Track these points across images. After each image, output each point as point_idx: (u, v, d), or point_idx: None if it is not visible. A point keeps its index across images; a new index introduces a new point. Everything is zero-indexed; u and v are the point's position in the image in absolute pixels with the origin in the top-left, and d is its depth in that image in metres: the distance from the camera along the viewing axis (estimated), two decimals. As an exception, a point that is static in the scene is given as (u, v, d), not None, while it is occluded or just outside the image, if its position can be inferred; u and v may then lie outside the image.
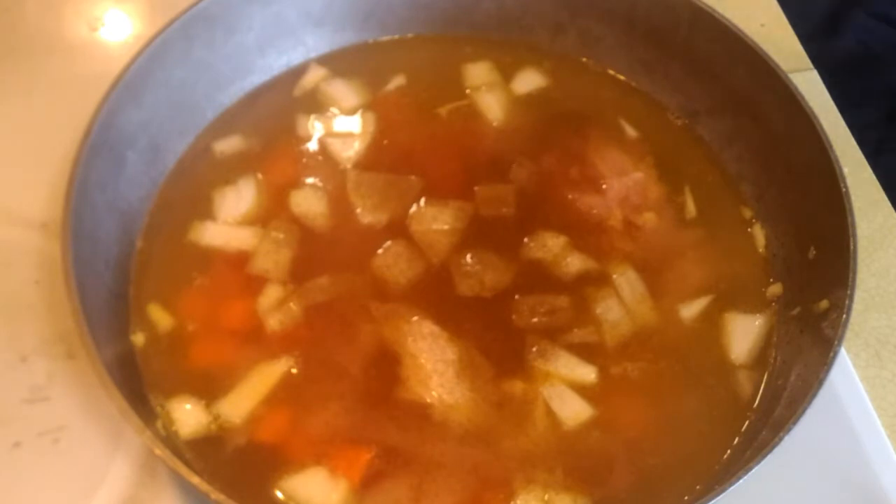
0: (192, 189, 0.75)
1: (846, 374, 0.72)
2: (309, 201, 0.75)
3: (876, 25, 1.20)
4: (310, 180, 0.76)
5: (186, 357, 0.67)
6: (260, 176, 0.76)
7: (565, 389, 0.66)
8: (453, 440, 0.64)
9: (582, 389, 0.67)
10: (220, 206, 0.74)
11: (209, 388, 0.65)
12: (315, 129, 0.80)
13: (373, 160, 0.78)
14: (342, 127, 0.80)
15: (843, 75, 0.95)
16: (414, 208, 0.74)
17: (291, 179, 0.76)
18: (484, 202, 0.75)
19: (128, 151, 0.71)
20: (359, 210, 0.74)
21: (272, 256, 0.71)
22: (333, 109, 0.81)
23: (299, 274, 0.71)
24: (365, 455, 0.63)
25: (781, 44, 0.94)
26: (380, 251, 0.72)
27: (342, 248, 0.73)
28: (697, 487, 0.62)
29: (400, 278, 0.71)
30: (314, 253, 0.72)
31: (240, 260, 0.71)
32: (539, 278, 0.71)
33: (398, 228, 0.73)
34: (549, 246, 0.73)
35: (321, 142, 0.79)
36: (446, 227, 0.73)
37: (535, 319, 0.69)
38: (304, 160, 0.78)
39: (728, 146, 0.79)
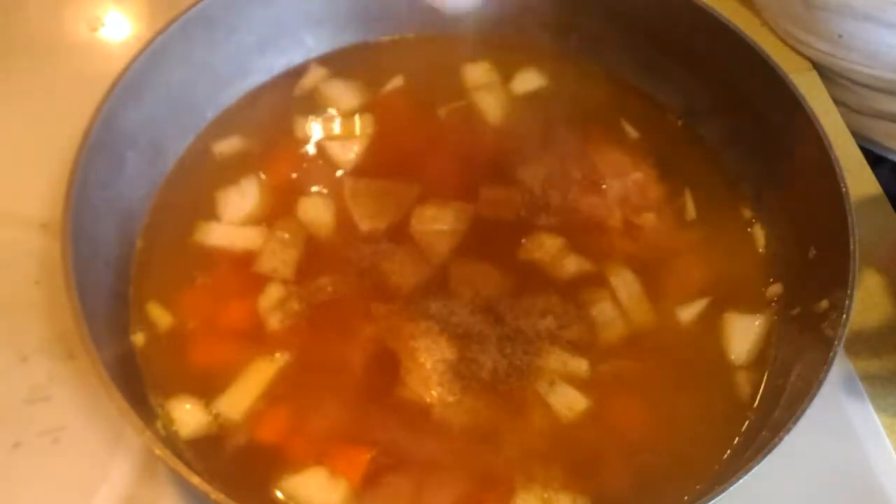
0: (192, 189, 0.75)
1: (846, 375, 0.72)
2: (311, 202, 0.75)
3: None
4: (309, 182, 0.76)
5: (186, 357, 0.67)
6: (262, 176, 0.76)
7: (564, 388, 0.66)
8: (453, 439, 0.64)
9: (581, 387, 0.67)
10: (223, 206, 0.74)
11: (209, 388, 0.65)
12: (314, 131, 0.80)
13: (371, 162, 0.78)
14: (341, 128, 0.80)
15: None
16: (416, 208, 0.74)
17: (292, 181, 0.76)
18: (487, 203, 0.75)
19: (128, 151, 0.71)
20: (357, 218, 0.74)
21: (279, 255, 0.71)
22: (332, 110, 0.81)
23: (302, 274, 0.71)
24: (365, 455, 0.63)
25: (781, 44, 0.94)
26: (382, 253, 0.72)
27: (344, 248, 0.72)
28: (697, 487, 0.62)
29: (400, 279, 0.71)
30: (317, 253, 0.72)
31: (242, 259, 0.72)
32: (537, 279, 0.71)
33: (399, 231, 0.73)
34: (547, 247, 0.73)
35: (320, 143, 0.79)
36: (447, 227, 0.73)
37: (532, 320, 0.69)
38: (304, 162, 0.78)
39: (728, 146, 0.79)
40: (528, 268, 0.72)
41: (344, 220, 0.74)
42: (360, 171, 0.77)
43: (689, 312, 0.71)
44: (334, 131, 0.80)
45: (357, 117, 0.80)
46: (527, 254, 0.73)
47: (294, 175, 0.77)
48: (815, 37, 0.89)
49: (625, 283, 0.72)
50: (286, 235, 0.73)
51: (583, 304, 0.70)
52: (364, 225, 0.74)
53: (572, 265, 0.72)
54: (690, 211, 0.77)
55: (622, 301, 0.71)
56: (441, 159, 0.78)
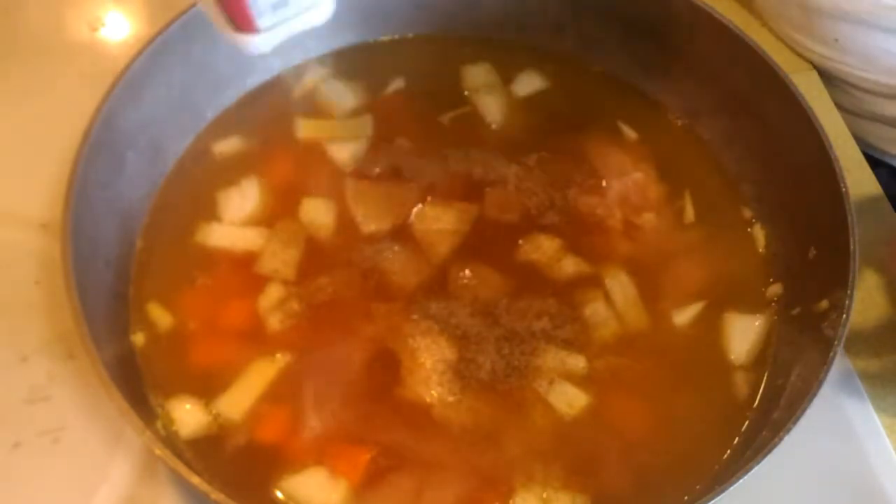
0: (192, 189, 0.75)
1: (846, 374, 0.72)
2: (312, 203, 0.75)
3: None
4: (310, 183, 0.76)
5: (186, 357, 0.67)
6: (263, 177, 0.76)
7: (564, 386, 0.66)
8: (453, 439, 0.64)
9: (580, 383, 0.67)
10: (224, 206, 0.74)
11: (209, 388, 0.65)
12: (315, 131, 0.79)
13: (372, 164, 0.77)
14: (342, 129, 0.80)
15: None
16: (418, 208, 0.74)
17: (293, 181, 0.76)
18: (490, 205, 0.75)
19: (128, 151, 0.71)
20: (359, 219, 0.74)
21: (280, 256, 0.71)
22: (333, 111, 0.81)
23: (303, 274, 0.71)
24: (365, 455, 0.63)
25: (781, 44, 0.94)
26: (382, 253, 0.72)
27: (345, 249, 0.72)
28: (697, 487, 0.62)
29: (401, 279, 0.71)
30: (318, 253, 0.72)
31: (243, 260, 0.71)
32: (535, 281, 0.71)
33: (401, 231, 0.73)
34: (546, 248, 0.73)
35: (321, 144, 0.79)
36: (449, 227, 0.73)
37: (527, 321, 0.69)
38: (305, 162, 0.78)
39: (728, 146, 0.79)
40: (526, 269, 0.72)
41: (345, 221, 0.74)
42: (362, 172, 0.77)
43: (688, 312, 0.71)
44: (335, 132, 0.80)
45: (358, 118, 0.80)
46: (525, 255, 0.73)
47: (295, 176, 0.77)
48: (812, 40, 0.89)
49: (619, 284, 0.71)
50: (287, 236, 0.73)
51: (577, 305, 0.70)
52: (366, 226, 0.74)
53: (570, 267, 0.72)
54: (690, 211, 0.77)
55: (625, 300, 0.71)
56: (443, 160, 0.78)
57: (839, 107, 0.91)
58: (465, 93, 0.82)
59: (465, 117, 0.81)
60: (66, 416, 0.68)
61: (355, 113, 0.81)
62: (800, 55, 0.93)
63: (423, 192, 0.75)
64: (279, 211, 0.74)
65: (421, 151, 0.78)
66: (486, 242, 0.73)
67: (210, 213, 0.74)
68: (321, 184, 0.76)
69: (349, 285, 0.70)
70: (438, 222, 0.74)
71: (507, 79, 0.83)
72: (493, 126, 0.81)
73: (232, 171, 0.76)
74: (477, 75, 0.83)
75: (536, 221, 0.74)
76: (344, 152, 0.78)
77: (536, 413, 0.66)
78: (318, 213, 0.74)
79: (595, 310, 0.70)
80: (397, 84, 0.83)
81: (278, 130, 0.79)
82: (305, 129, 0.79)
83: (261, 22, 0.57)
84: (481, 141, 0.80)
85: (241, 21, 0.57)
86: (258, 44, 0.58)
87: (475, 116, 0.81)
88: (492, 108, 0.82)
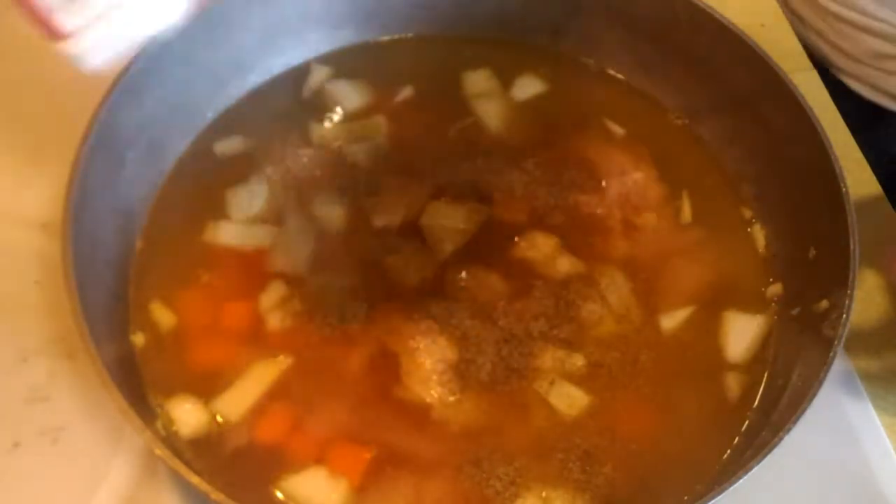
0: (193, 189, 0.75)
1: (846, 375, 0.72)
2: (319, 200, 0.75)
3: None
4: (317, 180, 0.76)
5: (187, 356, 0.67)
6: (269, 175, 0.76)
7: (564, 387, 0.66)
8: (453, 439, 0.64)
9: (580, 384, 0.67)
10: (232, 204, 0.74)
11: (209, 387, 0.65)
12: (316, 130, 0.79)
13: (376, 163, 0.78)
14: (344, 128, 0.80)
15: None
16: (431, 204, 0.74)
17: (299, 179, 0.76)
18: (499, 209, 0.75)
19: (128, 151, 0.71)
20: (372, 216, 0.74)
21: (292, 253, 0.71)
22: (336, 109, 0.81)
23: (310, 271, 0.71)
24: (365, 455, 0.63)
25: (781, 44, 0.94)
26: (386, 251, 0.72)
27: (349, 247, 0.73)
28: (697, 487, 0.62)
29: (403, 278, 0.71)
30: (329, 249, 0.72)
31: (245, 259, 0.72)
32: (533, 281, 0.71)
33: (408, 230, 0.73)
34: (543, 248, 0.73)
35: (323, 143, 0.79)
36: (457, 225, 0.73)
37: (525, 322, 0.69)
38: (310, 160, 0.78)
39: (728, 146, 0.79)
40: (523, 270, 0.72)
41: (351, 218, 0.74)
42: (367, 170, 0.77)
43: (689, 311, 0.71)
44: (337, 130, 0.80)
45: (362, 118, 0.80)
46: (522, 254, 0.73)
47: (303, 173, 0.77)
48: None
49: (615, 283, 0.71)
50: (298, 233, 0.73)
51: (573, 304, 0.70)
52: (378, 221, 0.74)
53: (566, 267, 0.72)
54: (690, 211, 0.77)
55: (624, 299, 0.71)
56: (451, 169, 0.78)
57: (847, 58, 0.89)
58: (467, 100, 0.82)
59: (469, 127, 0.81)
60: (66, 416, 0.68)
61: (360, 112, 0.81)
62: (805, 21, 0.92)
63: (437, 190, 0.75)
64: (288, 208, 0.74)
65: (429, 160, 0.78)
66: (489, 244, 0.73)
67: (217, 211, 0.74)
68: (329, 181, 0.76)
69: (351, 284, 0.70)
70: (448, 219, 0.73)
71: (506, 83, 0.83)
72: (495, 130, 0.81)
73: (236, 170, 0.76)
74: (477, 82, 0.83)
75: (540, 223, 0.74)
76: (349, 151, 0.78)
77: (537, 413, 0.66)
78: (330, 208, 0.74)
79: (591, 309, 0.70)
80: (403, 85, 0.82)
81: (283, 129, 0.79)
82: (308, 127, 0.79)
83: (62, 21, 0.50)
84: (486, 148, 0.79)
85: (41, 25, 0.50)
86: (80, 52, 0.51)
87: (478, 125, 0.81)
88: (493, 116, 0.81)
